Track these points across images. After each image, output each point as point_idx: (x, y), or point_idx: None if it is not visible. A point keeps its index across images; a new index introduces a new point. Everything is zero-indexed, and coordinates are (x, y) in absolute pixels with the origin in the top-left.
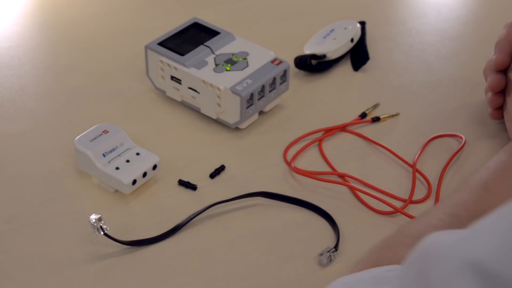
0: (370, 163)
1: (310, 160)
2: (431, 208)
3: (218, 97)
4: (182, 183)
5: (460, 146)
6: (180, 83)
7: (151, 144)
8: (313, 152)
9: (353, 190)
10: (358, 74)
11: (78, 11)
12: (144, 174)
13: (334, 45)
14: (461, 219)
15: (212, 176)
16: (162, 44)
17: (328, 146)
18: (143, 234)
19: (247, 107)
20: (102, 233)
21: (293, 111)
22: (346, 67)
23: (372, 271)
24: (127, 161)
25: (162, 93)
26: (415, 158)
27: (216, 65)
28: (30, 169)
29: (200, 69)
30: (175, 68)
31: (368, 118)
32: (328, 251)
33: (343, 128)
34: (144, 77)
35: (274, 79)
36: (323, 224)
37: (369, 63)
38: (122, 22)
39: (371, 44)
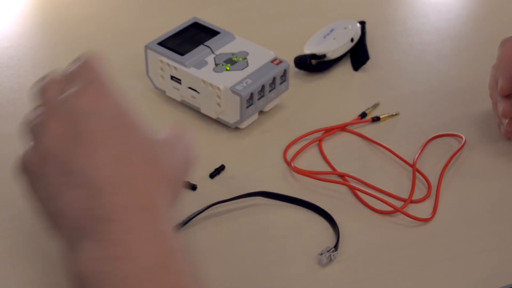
0: (370, 162)
1: (310, 160)
2: None
3: (218, 96)
4: None
5: (460, 145)
6: (180, 83)
7: None
8: (313, 151)
9: (353, 189)
10: (358, 74)
11: (78, 11)
12: None
13: (334, 45)
14: None
15: (212, 176)
16: (162, 44)
17: (328, 145)
18: None
19: (247, 107)
20: None
21: (293, 111)
22: (346, 67)
23: None
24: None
25: (162, 93)
26: (415, 158)
27: (216, 65)
28: None
29: (200, 69)
30: (175, 68)
31: (368, 117)
32: (328, 251)
33: (343, 128)
34: (144, 77)
35: (274, 78)
36: (323, 224)
37: (369, 63)
38: (122, 22)
39: (371, 44)
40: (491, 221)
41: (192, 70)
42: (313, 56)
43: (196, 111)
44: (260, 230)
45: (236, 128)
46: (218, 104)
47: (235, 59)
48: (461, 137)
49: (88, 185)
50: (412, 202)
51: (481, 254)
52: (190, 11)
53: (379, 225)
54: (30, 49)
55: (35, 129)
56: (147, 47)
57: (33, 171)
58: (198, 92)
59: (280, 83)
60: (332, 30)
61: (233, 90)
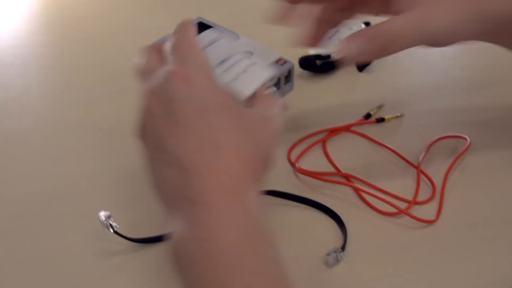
0: (375, 164)
1: (314, 161)
2: None
3: None
4: None
5: (465, 147)
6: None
7: None
8: (317, 152)
9: (357, 191)
10: (363, 74)
11: (83, 11)
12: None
13: (339, 45)
14: None
15: None
16: None
17: (333, 146)
18: (153, 232)
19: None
20: (111, 230)
21: (298, 112)
22: (350, 68)
23: None
24: (244, 71)
25: None
26: (420, 159)
27: None
28: (35, 167)
29: None
30: None
31: (373, 118)
32: (335, 251)
33: (347, 128)
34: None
35: (279, 79)
36: (330, 224)
37: (373, 64)
38: (127, 22)
39: None
40: (496, 223)
41: None
42: (318, 56)
43: None
44: None
45: None
46: None
47: None
48: (466, 139)
49: (179, 166)
50: (416, 203)
51: (485, 256)
52: (195, 11)
53: (384, 226)
54: (35, 48)
55: (141, 102)
56: None
57: (141, 141)
58: None
59: (285, 84)
60: (337, 31)
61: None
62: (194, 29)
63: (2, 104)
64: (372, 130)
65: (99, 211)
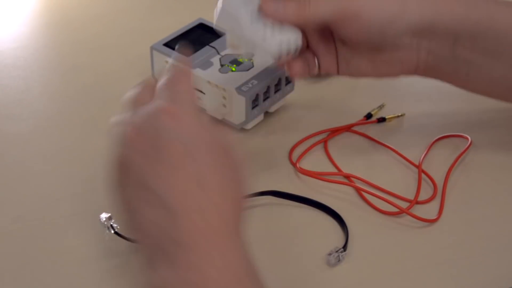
0: (376, 163)
1: (316, 161)
2: None
3: (224, 97)
4: None
5: (466, 146)
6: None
7: None
8: (318, 152)
9: (358, 190)
10: None
11: (83, 12)
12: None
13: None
14: None
15: None
16: (168, 44)
17: (334, 146)
18: None
19: (253, 108)
20: (112, 231)
21: (299, 112)
22: None
23: None
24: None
25: None
26: (421, 159)
27: (222, 65)
28: (36, 169)
29: (205, 69)
30: None
31: (374, 118)
32: (337, 251)
33: (348, 128)
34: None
35: (280, 79)
36: (331, 224)
37: None
38: (127, 23)
39: None
40: (497, 222)
41: (198, 71)
42: None
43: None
44: (269, 229)
45: (242, 129)
46: (224, 105)
47: (240, 60)
48: (467, 138)
49: (164, 207)
50: (417, 203)
51: (487, 255)
52: (196, 12)
53: (385, 225)
54: (36, 50)
55: (119, 136)
56: (152, 48)
57: (117, 177)
58: (204, 93)
59: (286, 84)
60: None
61: (238, 91)
62: (189, 66)
63: (2, 105)
64: (373, 130)
65: (101, 212)
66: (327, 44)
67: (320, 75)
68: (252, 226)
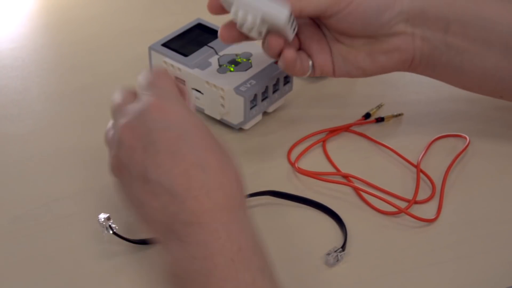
0: (374, 163)
1: (314, 161)
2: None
3: (222, 98)
4: None
5: (464, 146)
6: (184, 84)
7: None
8: (317, 152)
9: (357, 190)
10: None
11: (81, 12)
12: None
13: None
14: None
15: None
16: (166, 45)
17: (332, 146)
18: None
19: (251, 108)
20: (111, 232)
21: (297, 112)
22: None
23: None
24: None
25: None
26: (419, 158)
27: (220, 66)
28: (34, 169)
29: (204, 70)
30: (179, 69)
31: (372, 118)
32: (335, 251)
33: (347, 128)
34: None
35: (278, 80)
36: (330, 224)
37: None
38: (125, 23)
39: None
40: (496, 222)
41: (196, 71)
42: None
43: (200, 112)
44: (267, 229)
45: (240, 129)
46: (222, 105)
47: (238, 60)
48: (465, 138)
49: (169, 193)
50: (416, 202)
51: (485, 255)
52: (194, 12)
53: (384, 225)
54: (34, 50)
55: (112, 140)
56: (151, 48)
57: (119, 179)
58: (202, 93)
59: (284, 84)
60: None
61: (237, 91)
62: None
63: (1, 106)
64: (371, 129)
65: (99, 212)
66: (320, 43)
67: (316, 76)
68: None
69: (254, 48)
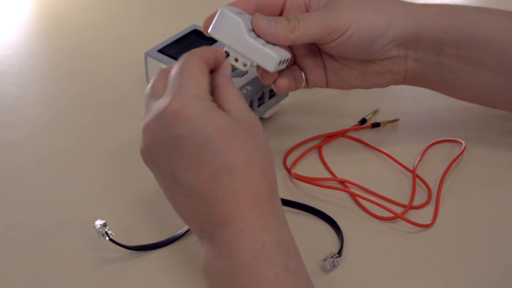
0: (370, 169)
1: (310, 166)
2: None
3: None
4: None
5: (460, 151)
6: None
7: None
8: (313, 158)
9: (353, 196)
10: None
11: (77, 19)
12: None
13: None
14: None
15: None
16: (162, 51)
17: (328, 152)
18: (149, 239)
19: None
20: (107, 238)
21: (293, 118)
22: None
23: None
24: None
25: None
26: (415, 164)
27: None
28: (30, 176)
29: None
30: None
31: (368, 124)
32: (332, 257)
33: (343, 134)
34: (144, 84)
35: None
36: (326, 230)
37: None
38: (121, 30)
39: None
40: (492, 227)
41: None
42: None
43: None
44: None
45: None
46: None
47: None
48: (461, 143)
49: (198, 196)
50: (412, 208)
51: (481, 260)
52: (190, 18)
53: (380, 231)
54: (30, 57)
55: (143, 140)
56: (147, 54)
57: (151, 170)
58: None
59: None
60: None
61: None
62: (199, 56)
63: None
64: (367, 135)
65: (95, 219)
66: (314, 58)
67: (309, 88)
68: None
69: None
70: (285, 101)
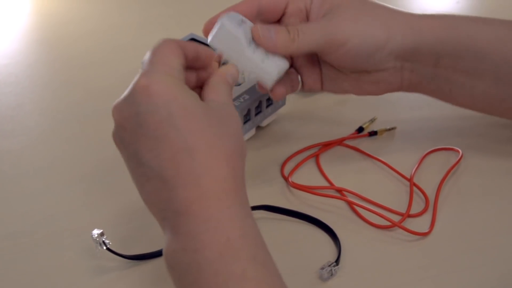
0: (368, 177)
1: (308, 175)
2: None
3: None
4: None
5: (457, 159)
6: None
7: None
8: (310, 166)
9: (350, 204)
10: None
11: (75, 28)
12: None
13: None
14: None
15: None
16: None
17: (326, 160)
18: (146, 248)
19: (244, 122)
20: (104, 247)
21: (290, 126)
22: None
23: None
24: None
25: None
26: (412, 172)
27: None
28: (28, 185)
29: None
30: None
31: (365, 132)
32: (329, 265)
33: (340, 142)
34: None
35: None
36: (324, 238)
37: None
38: (119, 39)
39: None
40: (489, 235)
41: None
42: None
43: None
44: None
45: None
46: None
47: None
48: (458, 151)
49: (159, 178)
50: (409, 216)
51: (479, 268)
52: (187, 27)
53: (378, 239)
54: (28, 66)
55: (112, 115)
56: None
57: (122, 156)
58: None
59: None
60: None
61: None
62: (174, 40)
63: None
64: (364, 143)
65: (92, 228)
66: (311, 64)
67: (304, 91)
68: None
69: None
70: (282, 110)
